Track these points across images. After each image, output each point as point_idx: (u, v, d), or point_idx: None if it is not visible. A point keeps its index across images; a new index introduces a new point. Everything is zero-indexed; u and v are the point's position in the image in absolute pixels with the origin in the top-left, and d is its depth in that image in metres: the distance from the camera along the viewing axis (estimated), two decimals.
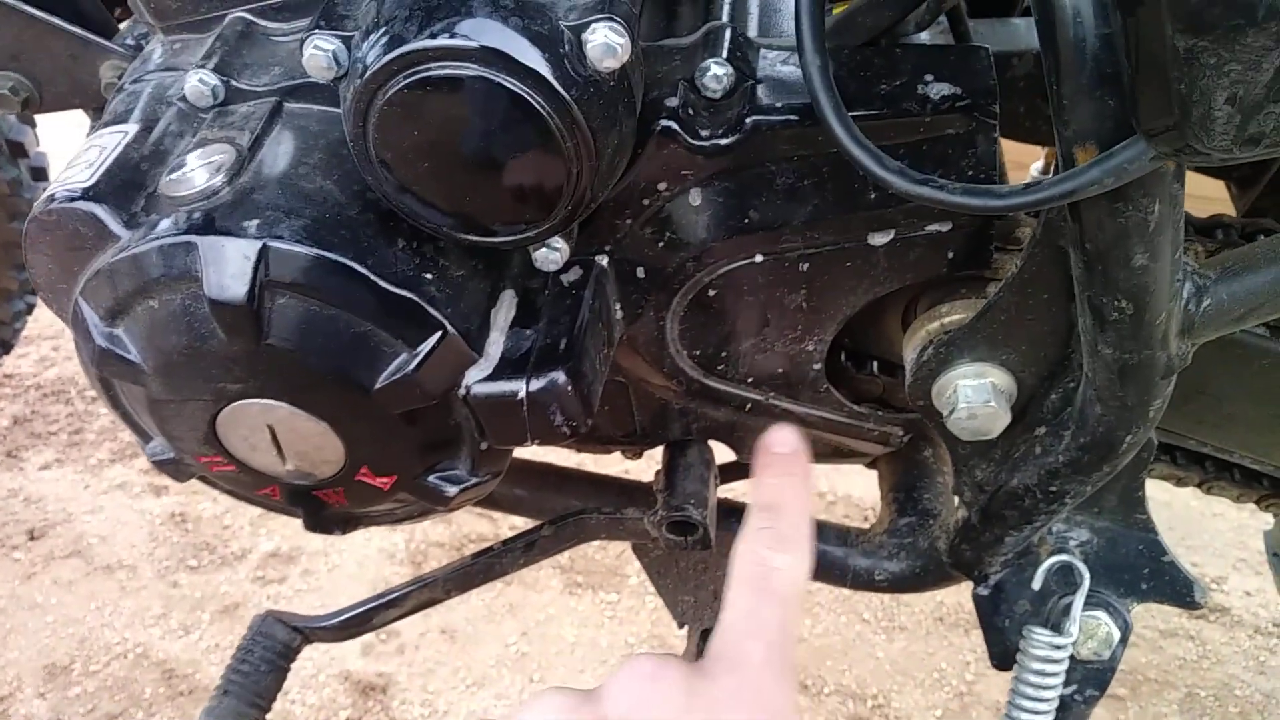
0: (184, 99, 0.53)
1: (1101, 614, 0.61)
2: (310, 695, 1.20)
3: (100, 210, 0.49)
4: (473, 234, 0.49)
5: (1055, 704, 0.61)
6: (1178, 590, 0.62)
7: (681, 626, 0.73)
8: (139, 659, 1.25)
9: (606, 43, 0.43)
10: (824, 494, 1.48)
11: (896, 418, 0.65)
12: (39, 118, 1.22)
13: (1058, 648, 0.60)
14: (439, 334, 0.49)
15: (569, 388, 0.51)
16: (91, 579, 1.35)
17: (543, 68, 0.43)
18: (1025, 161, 0.96)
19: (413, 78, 0.43)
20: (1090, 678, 0.62)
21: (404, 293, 0.49)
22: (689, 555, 0.73)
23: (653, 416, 0.66)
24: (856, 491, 1.48)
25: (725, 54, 0.50)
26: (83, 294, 0.51)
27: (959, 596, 1.35)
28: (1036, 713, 0.61)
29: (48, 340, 1.79)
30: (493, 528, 1.43)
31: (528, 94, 0.43)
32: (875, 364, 0.65)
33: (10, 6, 0.64)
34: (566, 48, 0.43)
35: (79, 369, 1.75)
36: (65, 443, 1.59)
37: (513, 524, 1.50)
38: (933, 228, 0.53)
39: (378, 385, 0.50)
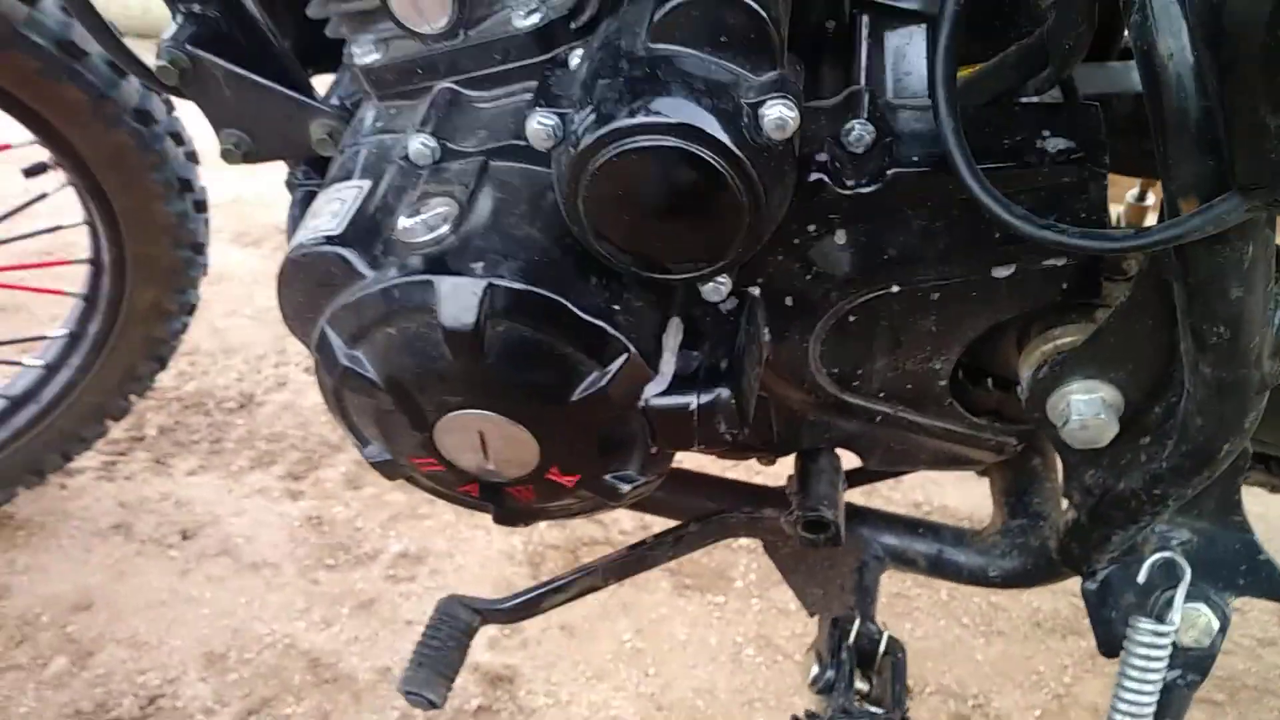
0: (406, 158, 0.63)
1: (1202, 606, 0.68)
2: None
3: (349, 254, 0.60)
4: (657, 272, 0.58)
5: (1159, 687, 0.68)
6: (1274, 585, 0.68)
7: (812, 615, 0.81)
8: (287, 649, 1.36)
9: (780, 118, 0.52)
10: (920, 504, 1.54)
11: (1011, 429, 0.72)
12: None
13: (1161, 635, 0.67)
14: (625, 356, 0.59)
15: (732, 402, 0.60)
16: (240, 575, 1.48)
17: (727, 140, 0.52)
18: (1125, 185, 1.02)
19: (619, 148, 0.52)
20: (1192, 664, 0.69)
21: (598, 322, 0.58)
22: (818, 551, 0.81)
23: (789, 427, 0.74)
24: (951, 502, 1.54)
25: (866, 114, 0.59)
26: (329, 322, 0.61)
27: (1055, 603, 1.40)
28: (1142, 695, 0.68)
29: (185, 356, 1.94)
30: (603, 531, 1.52)
31: (714, 161, 0.52)
32: (991, 380, 0.72)
33: (240, 75, 0.76)
34: (746, 121, 0.52)
35: (214, 383, 1.89)
36: (207, 450, 1.72)
37: (621, 529, 1.59)
38: (1049, 262, 0.61)
39: (573, 398, 0.59)
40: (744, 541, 1.51)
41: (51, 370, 1.47)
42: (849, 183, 0.59)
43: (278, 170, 0.86)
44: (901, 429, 0.72)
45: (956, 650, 1.34)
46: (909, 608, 1.39)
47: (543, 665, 1.33)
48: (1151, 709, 0.67)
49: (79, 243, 1.38)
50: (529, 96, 0.61)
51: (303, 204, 0.81)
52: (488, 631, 1.40)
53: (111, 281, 1.40)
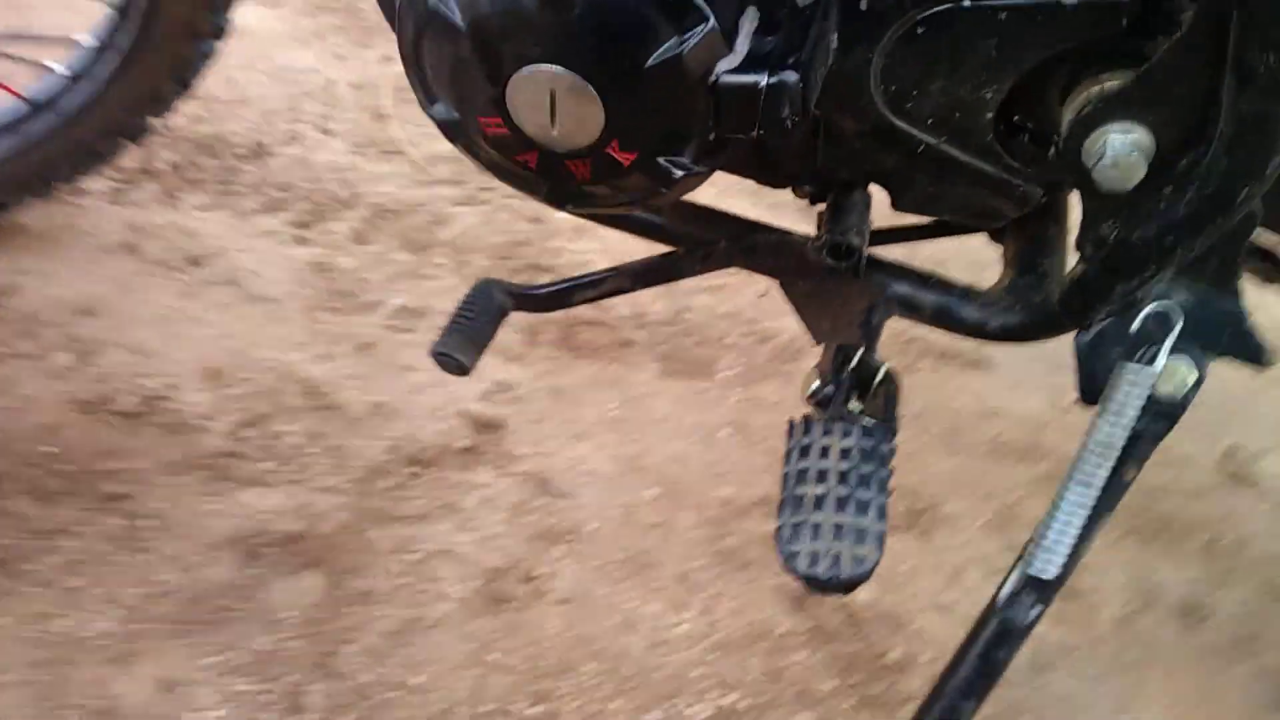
0: None
1: (1183, 359, 0.74)
2: (436, 424, 1.37)
3: None
4: None
5: (1130, 428, 0.74)
6: (1251, 351, 0.74)
7: (818, 343, 0.86)
8: (285, 375, 1.41)
9: None
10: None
11: (1040, 179, 0.76)
12: None
13: (1144, 376, 0.73)
14: (706, 25, 0.61)
15: (799, 87, 0.63)
16: (244, 304, 1.51)
17: None
18: None
19: None
20: (1163, 412, 0.75)
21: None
22: (833, 288, 0.85)
23: (832, 154, 0.78)
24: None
25: None
26: None
27: (1016, 431, 1.48)
28: (1114, 433, 0.74)
29: (198, 101, 1.92)
30: (599, 314, 1.57)
31: None
32: (1028, 135, 0.76)
33: None
34: None
35: (227, 129, 1.89)
36: (217, 191, 1.73)
37: (619, 313, 1.64)
38: None
39: (649, 63, 0.62)
40: (731, 339, 1.57)
41: (76, 79, 1.46)
42: None
43: None
44: (938, 166, 0.75)
45: (919, 458, 1.42)
46: None
47: (530, 420, 1.39)
48: (1120, 448, 0.74)
49: None
50: None
51: None
52: (480, 384, 1.46)
53: None
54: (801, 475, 0.72)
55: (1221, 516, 1.41)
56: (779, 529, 0.70)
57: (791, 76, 0.62)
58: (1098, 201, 0.71)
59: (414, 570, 1.15)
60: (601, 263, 1.71)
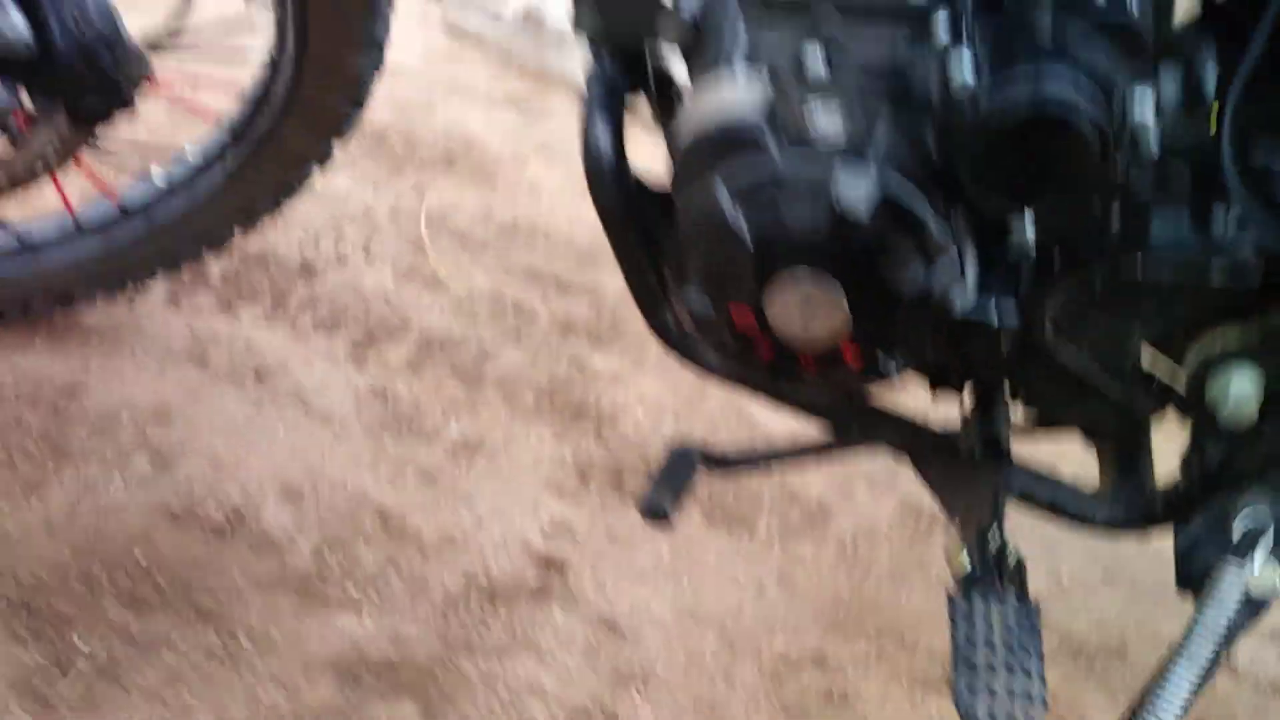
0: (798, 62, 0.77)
1: (1273, 562, 0.89)
2: (503, 559, 1.43)
3: (766, 134, 0.75)
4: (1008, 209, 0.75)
5: (1229, 617, 0.88)
6: None
7: (953, 520, 0.99)
8: (358, 496, 1.46)
9: (1144, 122, 0.70)
10: None
11: (1156, 404, 0.92)
12: None
13: (1241, 577, 0.88)
14: (958, 269, 0.76)
15: (1013, 323, 0.78)
16: (310, 422, 1.56)
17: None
18: None
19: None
20: (1255, 607, 0.90)
21: (947, 243, 0.75)
22: (963, 472, 0.99)
23: (987, 360, 0.92)
24: None
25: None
26: (724, 175, 0.76)
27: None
28: (1216, 619, 0.88)
29: None
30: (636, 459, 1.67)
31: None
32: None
33: None
34: (1118, 110, 0.70)
35: (275, 245, 1.95)
36: (270, 305, 1.79)
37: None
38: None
39: (904, 292, 0.76)
40: (769, 494, 1.69)
41: (173, 191, 1.53)
42: (1140, 187, 0.78)
43: None
44: (1074, 381, 0.90)
45: (940, 617, 1.55)
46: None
47: (589, 560, 1.47)
48: (1220, 633, 0.88)
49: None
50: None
51: (601, 90, 0.94)
52: (537, 520, 1.53)
53: (269, 119, 1.47)
54: (970, 641, 0.84)
55: (1207, 698, 1.56)
56: (956, 686, 0.81)
57: (1015, 321, 0.77)
58: (1209, 430, 0.88)
59: (507, 704, 1.20)
60: (639, 409, 1.84)
